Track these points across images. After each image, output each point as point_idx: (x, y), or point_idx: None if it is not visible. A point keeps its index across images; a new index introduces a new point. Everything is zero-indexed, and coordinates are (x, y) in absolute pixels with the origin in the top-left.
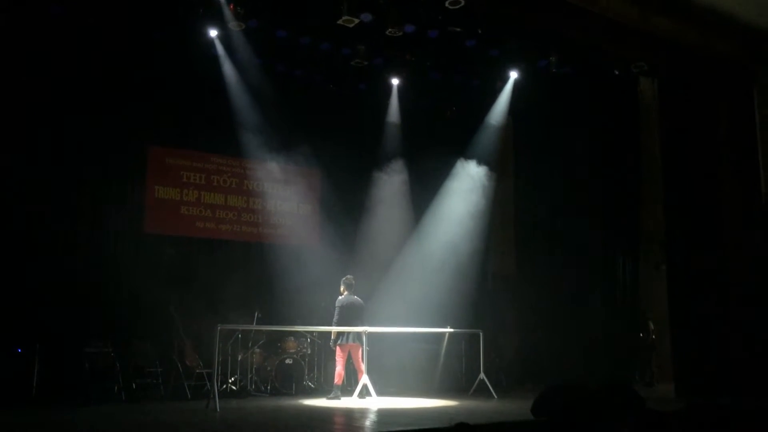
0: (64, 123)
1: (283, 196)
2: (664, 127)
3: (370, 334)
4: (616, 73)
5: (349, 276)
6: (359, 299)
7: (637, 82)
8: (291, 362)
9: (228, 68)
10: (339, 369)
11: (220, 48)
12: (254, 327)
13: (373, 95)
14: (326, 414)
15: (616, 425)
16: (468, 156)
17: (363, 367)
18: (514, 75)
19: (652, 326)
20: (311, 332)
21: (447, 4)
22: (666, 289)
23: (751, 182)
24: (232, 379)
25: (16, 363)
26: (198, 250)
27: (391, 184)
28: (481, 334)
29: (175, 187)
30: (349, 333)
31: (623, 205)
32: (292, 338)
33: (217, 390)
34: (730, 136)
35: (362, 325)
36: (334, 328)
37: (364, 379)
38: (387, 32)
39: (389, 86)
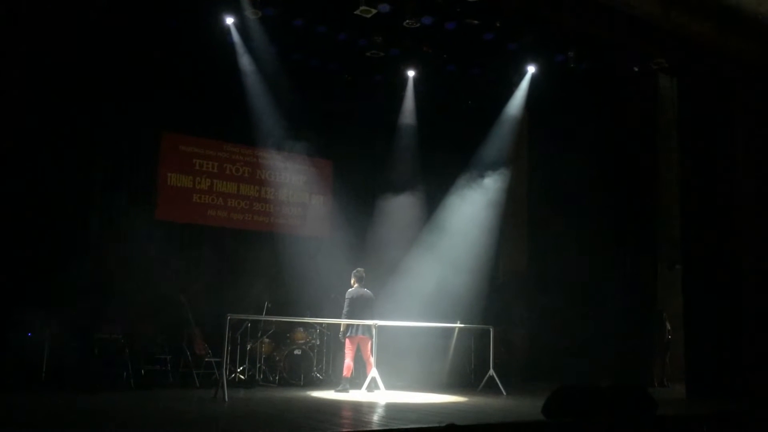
0: (78, 108)
1: (296, 187)
2: (682, 125)
3: (379, 328)
4: (635, 69)
5: (359, 268)
6: (369, 292)
7: (656, 78)
8: (300, 353)
9: (243, 56)
10: (348, 361)
11: (235, 36)
12: (264, 317)
13: (389, 87)
14: (334, 407)
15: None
16: (482, 150)
17: (372, 360)
18: (531, 69)
19: (668, 326)
20: (320, 324)
21: None
22: (680, 289)
23: None
24: (241, 368)
25: (26, 347)
26: (209, 238)
27: (404, 177)
28: (491, 330)
29: (187, 174)
30: (358, 325)
31: (638, 204)
32: (302, 329)
33: (226, 379)
34: (749, 136)
35: (372, 318)
36: (344, 321)
37: (373, 373)
38: (404, 23)
39: (405, 78)
